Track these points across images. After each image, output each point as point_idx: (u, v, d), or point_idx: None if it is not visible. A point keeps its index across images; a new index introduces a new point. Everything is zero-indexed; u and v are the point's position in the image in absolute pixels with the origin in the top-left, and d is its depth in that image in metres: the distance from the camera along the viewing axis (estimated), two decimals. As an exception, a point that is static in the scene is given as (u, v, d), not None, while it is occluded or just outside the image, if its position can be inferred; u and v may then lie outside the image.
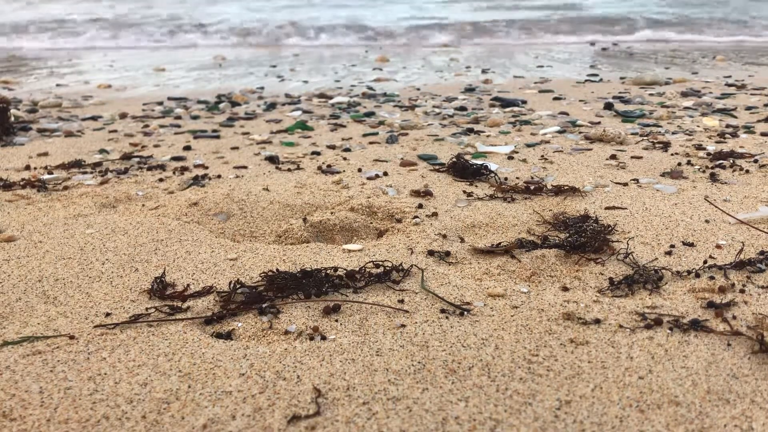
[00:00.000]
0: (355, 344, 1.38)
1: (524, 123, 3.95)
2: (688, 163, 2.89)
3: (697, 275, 1.70)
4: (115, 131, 3.89)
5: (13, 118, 3.93)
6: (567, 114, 4.25)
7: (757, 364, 1.29)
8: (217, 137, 3.70)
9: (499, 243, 1.94)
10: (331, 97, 5.13)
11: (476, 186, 2.59)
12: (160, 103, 4.98)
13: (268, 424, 1.13)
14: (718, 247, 1.91)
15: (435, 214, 2.23)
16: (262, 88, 5.83)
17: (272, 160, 3.08)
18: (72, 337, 1.42)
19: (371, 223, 2.21)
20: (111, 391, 1.23)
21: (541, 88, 5.57)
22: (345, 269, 1.74)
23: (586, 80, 6.07)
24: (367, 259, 1.86)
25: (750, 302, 1.55)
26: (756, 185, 2.54)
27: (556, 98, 4.95)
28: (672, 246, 1.91)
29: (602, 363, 1.30)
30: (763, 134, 3.48)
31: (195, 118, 4.34)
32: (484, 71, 7.03)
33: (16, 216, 2.30)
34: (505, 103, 4.67)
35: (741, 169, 2.77)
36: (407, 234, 2.07)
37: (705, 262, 1.78)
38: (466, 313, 1.52)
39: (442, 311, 1.53)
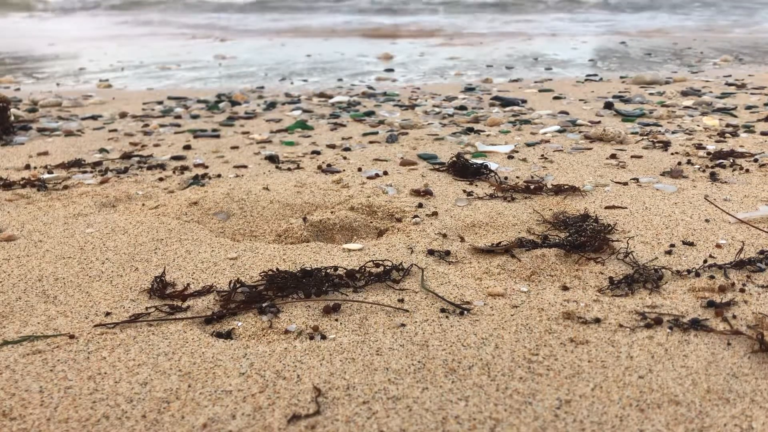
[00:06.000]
0: (355, 343, 1.38)
1: (524, 122, 3.95)
2: (688, 162, 2.89)
3: (697, 274, 1.70)
4: (115, 130, 3.89)
5: (13, 117, 3.93)
6: (567, 113, 4.25)
7: (757, 363, 1.29)
8: (217, 136, 3.70)
9: (499, 242, 1.94)
10: (331, 96, 5.13)
11: (476, 185, 2.59)
12: (160, 103, 4.98)
13: (268, 423, 1.13)
14: (718, 246, 1.91)
15: (435, 214, 2.23)
16: (263, 87, 5.83)
17: (272, 159, 3.08)
18: (72, 337, 1.43)
19: (371, 222, 2.21)
20: (111, 390, 1.23)
21: (541, 87, 5.57)
22: (345, 268, 1.74)
23: (586, 79, 6.07)
24: (367, 258, 1.86)
25: (750, 301, 1.55)
26: (756, 184, 2.54)
27: (556, 97, 4.94)
28: (672, 245, 1.91)
29: (602, 362, 1.30)
30: (763, 133, 3.48)
31: (195, 117, 4.33)
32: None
33: (16, 215, 2.30)
34: (504, 103, 4.67)
35: (741, 168, 2.77)
36: (407, 233, 2.07)
37: (705, 261, 1.78)
38: (466, 312, 1.52)
39: (442, 310, 1.53)
